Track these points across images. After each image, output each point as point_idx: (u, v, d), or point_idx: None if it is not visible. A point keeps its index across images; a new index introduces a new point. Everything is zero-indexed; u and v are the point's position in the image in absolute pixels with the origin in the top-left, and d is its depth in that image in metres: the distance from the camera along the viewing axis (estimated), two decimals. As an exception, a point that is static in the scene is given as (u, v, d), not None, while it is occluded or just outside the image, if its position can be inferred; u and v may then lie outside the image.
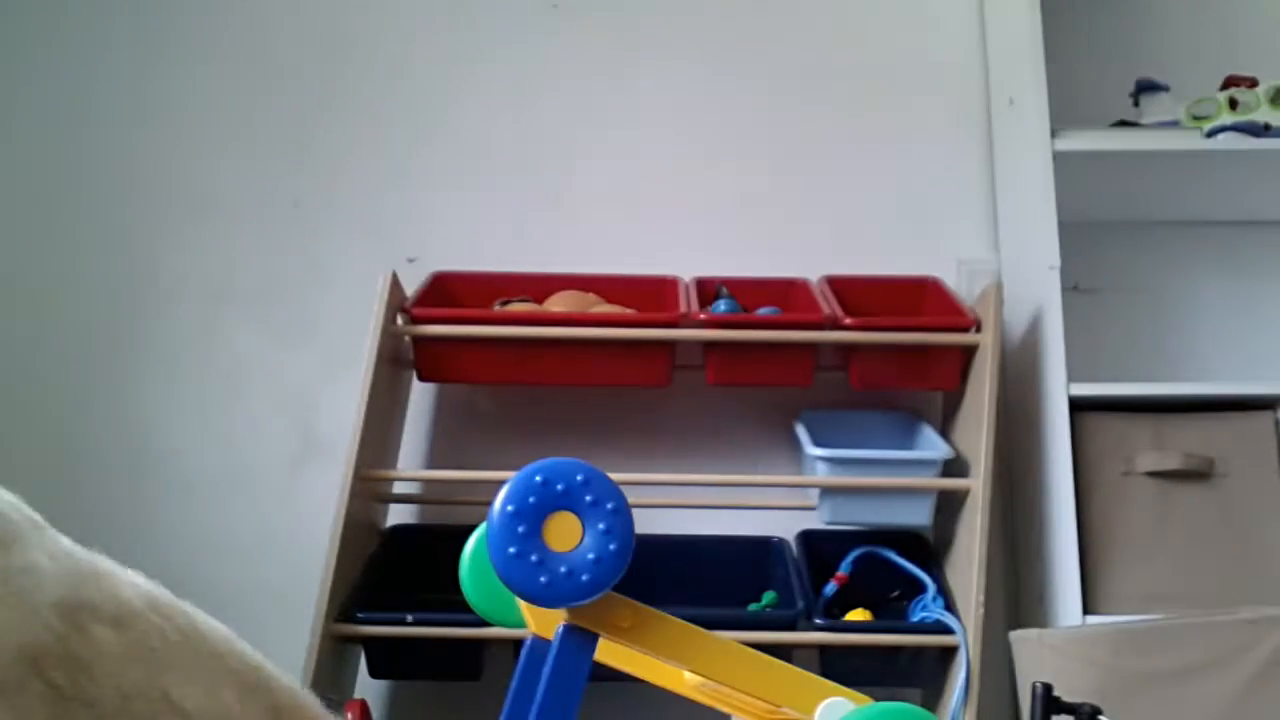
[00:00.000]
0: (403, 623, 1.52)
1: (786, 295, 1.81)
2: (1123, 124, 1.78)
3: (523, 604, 0.94)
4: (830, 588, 1.64)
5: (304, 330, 1.93)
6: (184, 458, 1.89)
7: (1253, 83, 1.72)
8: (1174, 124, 1.73)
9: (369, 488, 1.66)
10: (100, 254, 1.95)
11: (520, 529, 0.74)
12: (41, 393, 1.91)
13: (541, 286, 1.80)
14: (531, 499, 0.75)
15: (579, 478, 0.75)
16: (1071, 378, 1.61)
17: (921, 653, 1.57)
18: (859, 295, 1.78)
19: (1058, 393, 1.61)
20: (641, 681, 0.98)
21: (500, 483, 0.76)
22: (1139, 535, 1.59)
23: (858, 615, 1.60)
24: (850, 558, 1.69)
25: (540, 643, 0.90)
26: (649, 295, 1.80)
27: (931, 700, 1.61)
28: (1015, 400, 1.80)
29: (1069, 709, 1.15)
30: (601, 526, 0.74)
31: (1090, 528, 1.59)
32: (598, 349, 1.66)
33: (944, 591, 1.62)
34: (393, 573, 1.68)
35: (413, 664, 1.58)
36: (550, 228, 1.95)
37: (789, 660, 1.21)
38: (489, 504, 0.76)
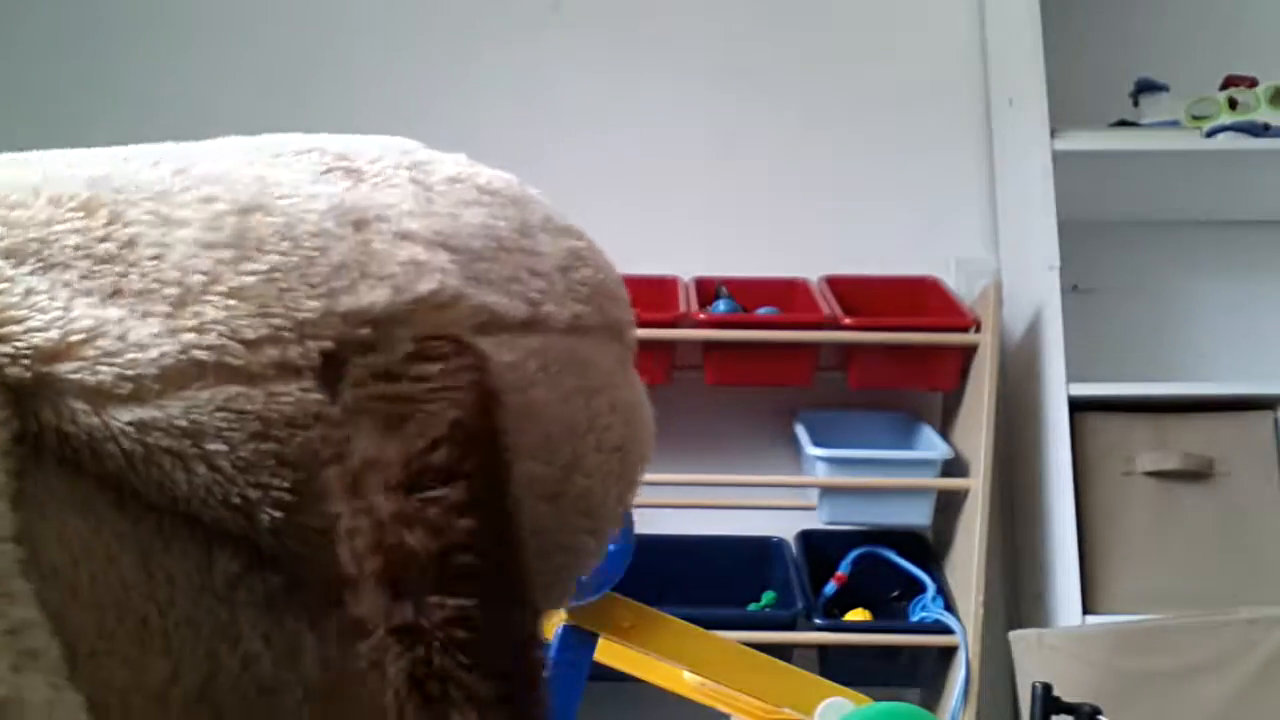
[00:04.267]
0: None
1: (786, 295, 1.81)
2: (1123, 124, 1.78)
3: (523, 604, 0.94)
4: (830, 587, 1.64)
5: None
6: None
7: (1253, 83, 1.72)
8: (1174, 124, 1.73)
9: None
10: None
11: (520, 529, 0.74)
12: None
13: (541, 286, 1.79)
14: (531, 499, 0.75)
15: (579, 478, 0.75)
16: (1071, 378, 1.61)
17: (921, 653, 1.57)
18: (859, 295, 1.78)
19: (1057, 393, 1.61)
20: (641, 681, 0.98)
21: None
22: (1139, 535, 1.58)
23: (857, 615, 1.60)
24: (850, 558, 1.69)
25: (540, 643, 0.90)
26: (649, 295, 1.80)
27: (931, 700, 1.61)
28: (1015, 400, 1.80)
29: (1069, 709, 1.14)
30: (601, 526, 0.74)
31: (1090, 528, 1.59)
32: (597, 349, 1.65)
33: (944, 591, 1.62)
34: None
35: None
36: (550, 228, 1.94)
37: (789, 660, 1.21)
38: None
